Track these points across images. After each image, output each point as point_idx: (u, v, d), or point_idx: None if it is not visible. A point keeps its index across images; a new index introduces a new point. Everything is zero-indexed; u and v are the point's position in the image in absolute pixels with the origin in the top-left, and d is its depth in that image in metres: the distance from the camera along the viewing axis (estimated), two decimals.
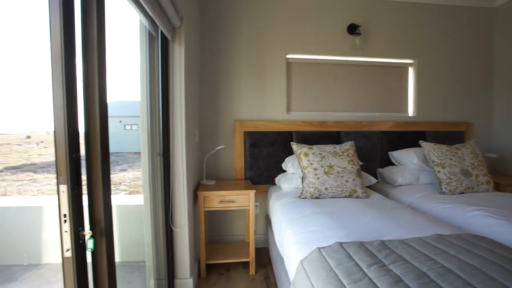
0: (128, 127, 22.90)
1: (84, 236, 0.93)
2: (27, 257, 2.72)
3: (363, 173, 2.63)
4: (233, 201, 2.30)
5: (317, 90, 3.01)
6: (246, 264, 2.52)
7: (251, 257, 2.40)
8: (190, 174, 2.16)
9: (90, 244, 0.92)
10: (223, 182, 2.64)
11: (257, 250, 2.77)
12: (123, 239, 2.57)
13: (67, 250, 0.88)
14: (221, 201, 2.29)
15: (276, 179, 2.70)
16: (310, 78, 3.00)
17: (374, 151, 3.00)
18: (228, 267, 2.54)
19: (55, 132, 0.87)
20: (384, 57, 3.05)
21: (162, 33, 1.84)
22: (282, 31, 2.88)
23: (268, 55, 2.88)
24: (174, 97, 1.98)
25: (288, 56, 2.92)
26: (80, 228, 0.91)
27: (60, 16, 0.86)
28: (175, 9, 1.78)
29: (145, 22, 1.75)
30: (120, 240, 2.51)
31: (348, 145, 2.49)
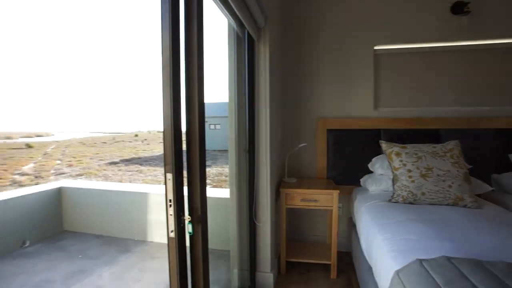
0: (212, 126, 25.06)
1: (184, 220, 1.03)
2: (137, 234, 3.25)
3: (473, 178, 2.20)
4: (315, 200, 2.24)
5: (410, 82, 2.67)
6: (327, 267, 2.42)
7: (333, 260, 2.29)
8: (273, 171, 2.20)
9: (189, 228, 1.02)
10: (304, 181, 2.60)
11: (339, 253, 2.64)
12: (211, 228, 2.80)
13: (172, 231, 1.00)
14: (303, 200, 2.26)
15: (362, 180, 2.51)
16: (402, 70, 2.68)
17: (486, 153, 2.49)
18: (308, 267, 2.49)
19: (164, 129, 0.99)
20: (500, 38, 2.49)
21: (248, 34, 1.92)
22: (369, 21, 2.65)
23: (353, 48, 2.69)
24: (259, 96, 2.05)
25: (376, 47, 2.67)
26: (181, 214, 1.02)
27: (169, 27, 0.97)
28: (260, 8, 1.83)
29: (233, 24, 1.85)
30: (209, 228, 2.75)
31: (451, 144, 2.13)
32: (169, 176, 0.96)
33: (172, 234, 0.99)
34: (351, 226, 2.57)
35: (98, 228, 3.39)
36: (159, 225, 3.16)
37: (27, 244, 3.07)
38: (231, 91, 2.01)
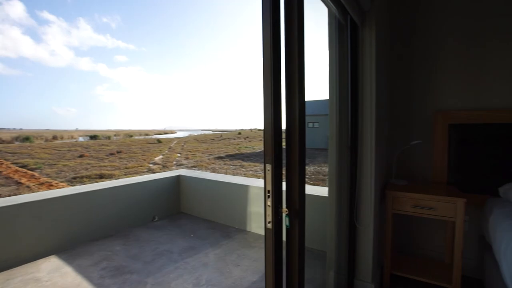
0: (310, 125, 24.85)
1: (281, 213, 1.03)
2: (238, 223, 3.53)
3: None
4: (431, 208, 1.89)
5: None
6: None
7: (456, 285, 1.88)
8: (378, 170, 1.98)
9: (287, 221, 1.01)
10: (416, 184, 2.24)
11: (464, 278, 2.16)
12: (307, 225, 2.76)
13: (269, 222, 1.01)
14: (414, 206, 1.94)
15: (502, 190, 1.97)
16: None
17: None
18: (417, 285, 2.13)
19: (264, 120, 1.01)
20: None
21: (351, 20, 1.77)
22: None
23: (491, 24, 2.13)
24: (363, 87, 1.87)
25: None
26: (279, 206, 1.02)
27: (270, 21, 0.97)
28: None
29: (335, 11, 1.74)
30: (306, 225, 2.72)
31: None
32: (269, 167, 0.97)
33: (269, 225, 1.00)
34: (482, 246, 2.06)
35: (206, 213, 3.85)
36: (257, 217, 3.33)
37: (156, 219, 3.76)
38: (332, 83, 1.90)
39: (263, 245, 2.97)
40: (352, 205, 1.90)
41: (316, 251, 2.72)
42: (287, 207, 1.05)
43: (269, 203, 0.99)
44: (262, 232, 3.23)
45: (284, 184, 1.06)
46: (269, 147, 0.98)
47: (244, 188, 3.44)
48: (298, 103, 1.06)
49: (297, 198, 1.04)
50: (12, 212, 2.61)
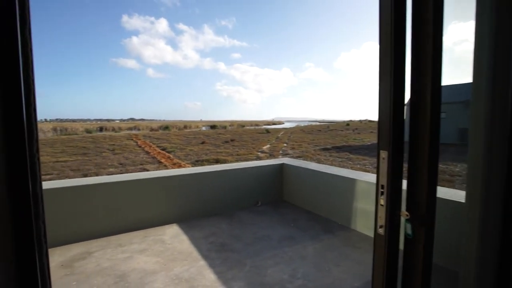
0: None
1: (399, 217, 0.77)
2: (341, 219, 3.23)
3: None
4: None
5: None
6: None
7: None
8: None
9: (407, 228, 0.75)
10: None
11: None
12: None
13: (381, 227, 0.77)
14: None
15: None
16: None
17: None
18: None
19: (379, 98, 0.77)
20: None
21: None
22: None
23: None
24: None
25: None
26: (396, 207, 0.76)
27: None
28: None
29: None
30: None
31: None
32: (384, 154, 0.73)
33: (381, 230, 0.77)
34: None
35: (308, 204, 3.71)
36: (364, 215, 2.95)
37: (259, 204, 3.90)
38: (480, 62, 1.38)
39: (369, 247, 2.61)
40: (509, 217, 1.36)
41: (443, 268, 2.18)
42: (408, 210, 0.79)
43: (382, 201, 0.76)
44: (368, 233, 2.85)
45: (404, 182, 0.79)
46: (386, 127, 0.73)
47: (351, 181, 3.11)
48: (431, 87, 0.77)
49: (425, 200, 0.75)
50: (148, 183, 3.18)
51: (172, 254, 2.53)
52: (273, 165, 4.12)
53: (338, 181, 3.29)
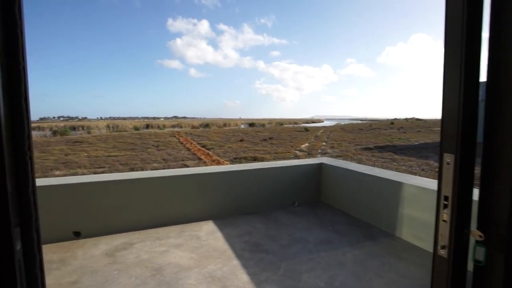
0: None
1: (469, 236, 0.62)
2: (384, 225, 2.97)
3: None
4: None
5: None
6: None
7: None
8: None
9: (479, 252, 0.59)
10: None
11: None
12: None
13: (442, 248, 0.63)
14: None
15: None
16: None
17: None
18: None
19: (443, 94, 0.63)
20: None
21: None
22: None
23: None
24: None
25: None
26: (464, 224, 0.61)
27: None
28: None
29: None
30: None
31: None
32: (449, 158, 0.59)
33: (442, 252, 0.62)
34: None
35: (347, 207, 3.49)
36: (411, 222, 2.67)
37: (296, 204, 3.77)
38: None
39: (416, 259, 2.34)
40: None
41: None
42: (480, 229, 0.63)
43: (445, 216, 0.61)
44: (416, 243, 2.57)
45: (475, 192, 0.64)
46: (453, 126, 0.59)
47: (396, 184, 2.84)
48: None
49: (506, 218, 0.59)
50: (186, 179, 3.25)
51: (207, 251, 2.53)
52: (311, 164, 3.96)
53: (381, 183, 3.03)
